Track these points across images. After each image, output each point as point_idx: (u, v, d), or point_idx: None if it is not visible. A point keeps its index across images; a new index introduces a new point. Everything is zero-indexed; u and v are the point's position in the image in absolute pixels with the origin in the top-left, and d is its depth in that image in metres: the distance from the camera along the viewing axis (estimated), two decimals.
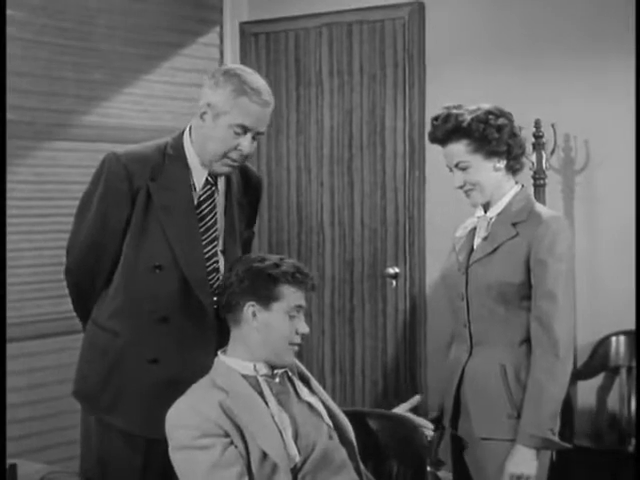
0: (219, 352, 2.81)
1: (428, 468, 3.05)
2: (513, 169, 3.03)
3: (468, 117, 2.95)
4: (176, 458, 2.65)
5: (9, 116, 4.11)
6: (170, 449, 2.66)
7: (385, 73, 4.93)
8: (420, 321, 4.88)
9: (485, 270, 2.96)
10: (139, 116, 4.78)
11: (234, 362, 2.77)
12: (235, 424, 2.63)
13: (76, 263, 3.01)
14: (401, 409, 3.16)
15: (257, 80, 2.89)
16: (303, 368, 2.94)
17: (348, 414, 2.95)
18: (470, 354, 3.01)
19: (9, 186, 3.99)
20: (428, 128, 3.08)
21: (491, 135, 2.94)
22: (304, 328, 2.77)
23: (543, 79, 4.48)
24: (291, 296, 2.74)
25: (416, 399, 3.20)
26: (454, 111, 2.98)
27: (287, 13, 5.17)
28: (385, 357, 5.00)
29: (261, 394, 2.72)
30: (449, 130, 2.96)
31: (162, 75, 4.96)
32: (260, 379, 2.75)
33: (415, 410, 3.15)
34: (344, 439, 2.84)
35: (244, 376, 2.75)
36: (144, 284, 2.93)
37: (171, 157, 2.95)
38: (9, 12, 4.16)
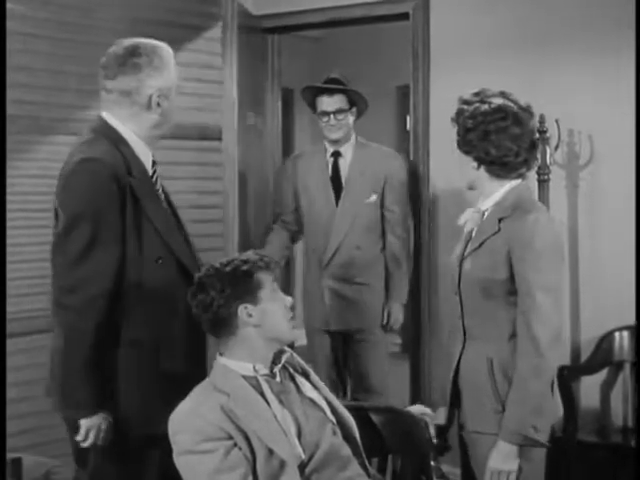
0: (217, 354, 2.81)
1: (432, 463, 3.05)
2: (495, 173, 2.98)
3: (462, 106, 3.00)
4: (180, 463, 2.65)
5: (11, 111, 4.12)
6: (174, 454, 2.66)
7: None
8: (425, 318, 4.87)
9: (472, 265, 2.97)
10: None
11: (234, 364, 2.77)
12: (238, 426, 2.63)
13: (107, 290, 2.85)
14: (415, 409, 3.16)
15: (158, 43, 3.02)
16: (303, 363, 2.95)
17: (350, 409, 2.95)
18: (463, 347, 3.02)
19: (11, 181, 3.99)
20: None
21: (461, 131, 2.99)
22: (289, 300, 2.83)
23: (547, 75, 4.47)
24: (267, 280, 2.78)
25: (429, 412, 3.17)
26: (465, 97, 3.02)
27: (290, 8, 5.16)
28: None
29: (262, 394, 2.72)
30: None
31: None
32: (260, 379, 2.75)
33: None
34: (347, 434, 2.85)
35: (244, 377, 2.75)
36: (152, 279, 2.91)
37: (124, 151, 2.94)
38: (9, 6, 4.15)
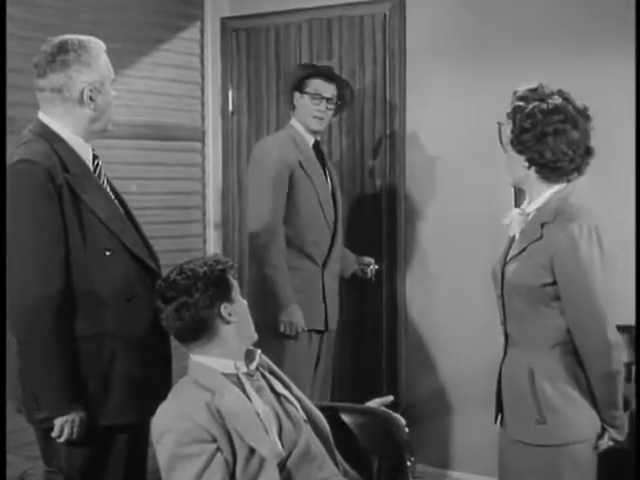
0: (190, 354, 2.83)
1: (408, 463, 3.06)
2: (544, 176, 2.84)
3: (519, 102, 2.84)
4: (163, 462, 2.66)
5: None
6: (158, 454, 2.67)
7: (364, 69, 4.92)
8: (400, 318, 4.89)
9: (514, 271, 2.84)
10: (119, 112, 4.70)
11: (213, 361, 2.78)
12: (222, 426, 2.64)
13: (57, 289, 2.84)
14: (374, 403, 3.19)
15: (86, 38, 3.00)
16: (272, 364, 2.98)
17: (321, 409, 2.98)
18: (505, 354, 2.94)
19: None
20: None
21: (516, 130, 2.83)
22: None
23: (528, 76, 4.42)
24: (234, 281, 2.84)
25: (389, 398, 3.21)
26: (521, 93, 2.87)
27: (268, 9, 5.17)
28: (366, 354, 5.01)
29: (243, 391, 2.75)
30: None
31: (142, 70, 4.95)
32: (242, 376, 2.78)
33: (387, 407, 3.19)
34: (319, 432, 2.88)
35: (225, 375, 2.77)
36: (102, 270, 2.90)
37: (59, 149, 2.92)
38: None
